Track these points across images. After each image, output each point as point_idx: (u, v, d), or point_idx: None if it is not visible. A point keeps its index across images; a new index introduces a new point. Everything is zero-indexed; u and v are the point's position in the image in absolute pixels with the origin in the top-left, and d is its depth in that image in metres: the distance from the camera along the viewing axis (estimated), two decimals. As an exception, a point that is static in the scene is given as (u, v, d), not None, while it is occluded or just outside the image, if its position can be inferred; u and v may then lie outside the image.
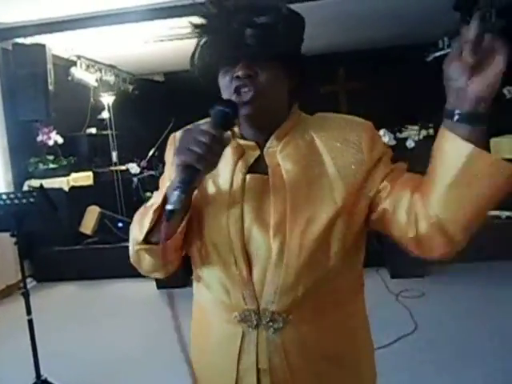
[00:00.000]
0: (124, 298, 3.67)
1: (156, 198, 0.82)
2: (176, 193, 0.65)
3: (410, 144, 4.13)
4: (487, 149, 0.63)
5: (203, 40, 0.75)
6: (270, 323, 0.77)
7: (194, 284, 0.87)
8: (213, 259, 0.78)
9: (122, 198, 5.18)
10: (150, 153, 5.60)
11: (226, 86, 0.74)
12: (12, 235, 1.98)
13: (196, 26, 0.74)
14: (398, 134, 4.70)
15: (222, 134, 0.69)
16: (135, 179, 5.22)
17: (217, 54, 0.73)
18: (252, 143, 0.80)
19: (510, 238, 3.55)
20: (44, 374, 2.11)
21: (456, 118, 0.63)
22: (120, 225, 4.38)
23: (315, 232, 0.74)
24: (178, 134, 0.85)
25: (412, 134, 4.58)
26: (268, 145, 0.79)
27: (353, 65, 5.95)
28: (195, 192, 0.75)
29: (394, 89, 5.90)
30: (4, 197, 1.88)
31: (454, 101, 0.64)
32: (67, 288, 4.05)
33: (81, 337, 2.94)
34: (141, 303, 3.48)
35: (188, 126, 0.74)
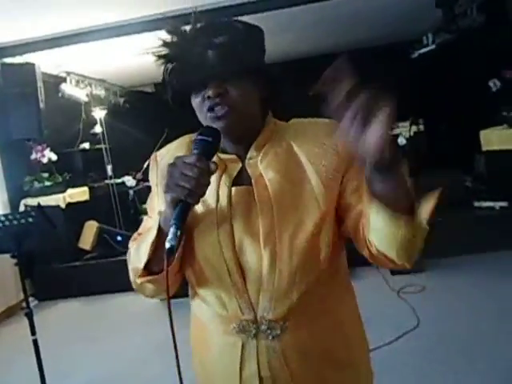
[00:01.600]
0: (127, 311, 3.67)
1: (147, 223, 0.85)
2: (172, 230, 0.68)
3: (402, 141, 4.18)
4: (405, 192, 0.65)
5: (169, 68, 0.76)
6: (268, 331, 0.79)
7: (191, 301, 0.89)
8: (207, 274, 0.79)
9: (119, 212, 5.18)
10: (145, 164, 5.62)
11: (199, 106, 0.77)
12: (13, 256, 1.98)
13: (159, 56, 0.76)
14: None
15: (207, 164, 0.71)
16: (131, 192, 5.23)
17: (184, 79, 0.75)
18: (233, 156, 0.82)
19: (504, 228, 3.59)
20: (52, 393, 2.11)
21: (365, 167, 0.64)
22: (119, 238, 4.37)
23: (304, 237, 0.76)
24: (159, 153, 0.88)
25: (403, 131, 4.63)
26: (249, 156, 0.81)
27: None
28: None
29: (381, 87, 5.95)
30: (3, 218, 1.88)
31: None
32: (69, 305, 4.03)
33: (86, 353, 2.93)
34: (144, 316, 3.48)
35: (173, 160, 0.73)
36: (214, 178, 0.77)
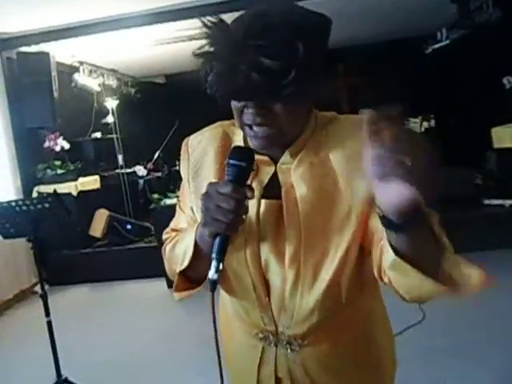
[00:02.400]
0: (136, 298, 3.74)
1: (180, 218, 0.85)
2: (214, 263, 0.67)
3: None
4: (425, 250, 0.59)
5: (211, 67, 0.66)
6: (287, 345, 0.80)
7: (221, 290, 0.88)
8: (233, 285, 0.80)
9: (129, 200, 5.25)
10: (156, 155, 5.67)
11: (238, 113, 0.69)
12: (28, 240, 2.04)
13: (202, 54, 0.65)
14: (400, 127, 4.72)
15: (243, 192, 0.66)
16: (141, 181, 5.29)
17: (224, 89, 0.65)
18: (266, 158, 0.75)
19: (514, 226, 3.57)
20: (64, 373, 2.18)
21: (381, 220, 0.58)
22: (128, 227, 4.44)
23: (329, 268, 0.73)
24: (191, 143, 0.83)
25: (414, 127, 4.61)
26: (282, 160, 0.75)
27: (352, 60, 5.96)
28: None
29: (394, 82, 5.92)
30: (20, 203, 1.94)
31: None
32: (79, 291, 4.11)
33: (96, 338, 3.00)
34: (152, 303, 3.54)
35: (207, 188, 0.67)
36: None
